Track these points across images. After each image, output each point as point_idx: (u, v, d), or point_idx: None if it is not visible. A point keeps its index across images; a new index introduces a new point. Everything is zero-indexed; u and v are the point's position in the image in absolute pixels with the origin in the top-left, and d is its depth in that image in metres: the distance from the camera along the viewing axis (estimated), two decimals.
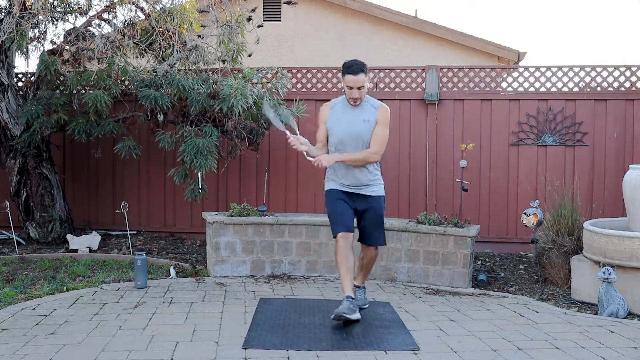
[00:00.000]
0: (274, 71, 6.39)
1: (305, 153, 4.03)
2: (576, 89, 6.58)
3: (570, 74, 6.57)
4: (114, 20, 6.35)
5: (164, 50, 6.22)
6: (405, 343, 3.53)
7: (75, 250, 6.07)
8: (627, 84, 6.51)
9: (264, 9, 9.74)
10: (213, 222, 5.37)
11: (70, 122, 6.11)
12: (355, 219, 4.06)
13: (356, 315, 3.84)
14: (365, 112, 3.97)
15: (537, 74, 6.63)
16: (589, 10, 30.74)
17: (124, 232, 6.76)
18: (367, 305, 4.26)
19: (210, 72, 6.35)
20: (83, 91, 6.31)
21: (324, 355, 3.31)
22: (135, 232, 6.98)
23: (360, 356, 3.32)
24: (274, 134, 6.66)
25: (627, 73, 6.49)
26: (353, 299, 3.87)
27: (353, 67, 3.88)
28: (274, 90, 6.16)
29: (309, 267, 5.38)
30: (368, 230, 4.08)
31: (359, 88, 3.89)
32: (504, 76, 7.00)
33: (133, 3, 6.29)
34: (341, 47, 9.70)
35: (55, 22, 6.25)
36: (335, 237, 3.95)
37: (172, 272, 5.24)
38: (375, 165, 4.07)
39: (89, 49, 6.14)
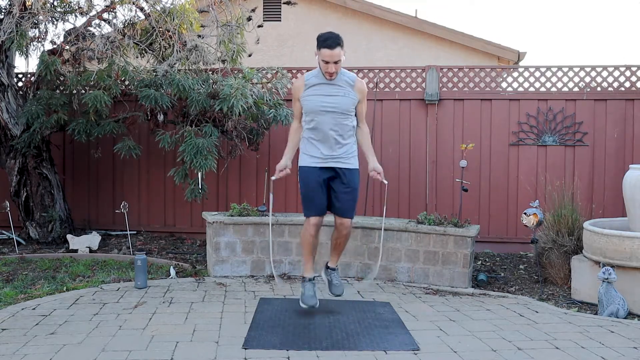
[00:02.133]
0: (274, 71, 6.40)
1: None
2: (576, 89, 6.58)
3: (570, 74, 6.58)
4: (114, 20, 6.36)
5: (164, 50, 6.22)
6: (405, 343, 3.53)
7: (75, 250, 6.07)
8: (627, 84, 6.51)
9: (264, 9, 9.74)
10: (213, 222, 5.37)
11: (70, 122, 6.11)
12: (327, 194, 3.99)
13: (315, 301, 3.98)
14: (343, 87, 3.88)
15: (537, 74, 6.63)
16: (589, 10, 30.73)
17: (124, 232, 6.76)
18: (343, 293, 4.13)
19: (210, 72, 6.36)
20: (83, 91, 6.31)
21: (324, 355, 3.31)
22: (135, 232, 6.98)
23: (360, 356, 3.32)
24: (274, 134, 6.67)
25: (627, 73, 6.50)
26: (314, 279, 4.08)
27: (329, 41, 3.75)
28: (274, 90, 6.16)
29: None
30: (340, 202, 3.97)
31: (335, 62, 3.77)
32: (504, 76, 7.00)
33: (133, 3, 6.28)
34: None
35: (55, 22, 6.25)
36: (306, 216, 3.97)
37: (172, 272, 5.25)
38: (353, 140, 4.00)
39: (89, 49, 6.14)
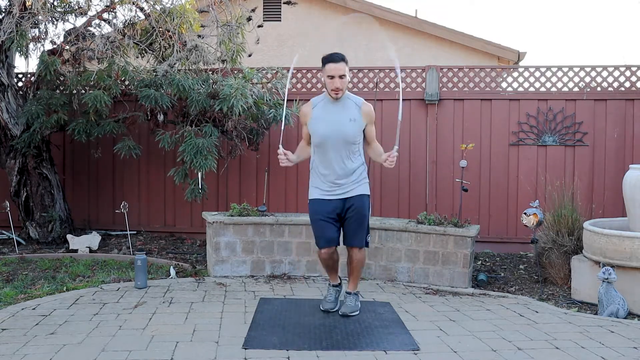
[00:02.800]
0: (274, 71, 6.39)
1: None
2: (576, 89, 6.58)
3: (570, 74, 6.58)
4: (114, 20, 6.36)
5: (164, 50, 6.22)
6: (405, 343, 3.53)
7: (75, 250, 6.07)
8: (627, 84, 6.51)
9: (264, 9, 9.74)
10: (213, 222, 5.37)
11: (70, 122, 6.11)
12: (339, 224, 4.00)
13: (331, 306, 4.12)
14: (350, 111, 3.88)
15: (537, 74, 6.63)
16: (589, 10, 30.74)
17: (124, 232, 6.76)
18: (357, 312, 4.09)
19: (210, 72, 6.36)
20: (83, 91, 6.32)
21: (324, 355, 3.31)
22: (135, 232, 6.98)
23: (360, 356, 3.32)
24: (274, 134, 6.67)
25: (627, 73, 6.50)
26: (339, 285, 4.22)
27: (333, 56, 3.82)
28: (274, 90, 6.16)
29: (309, 267, 5.38)
30: (350, 231, 3.97)
31: (340, 77, 3.79)
32: (504, 76, 7.00)
33: (133, 3, 6.29)
34: (341, 47, 9.69)
35: (55, 22, 6.25)
36: (318, 247, 4.00)
37: (172, 272, 5.25)
38: (361, 163, 3.99)
39: (89, 49, 6.14)
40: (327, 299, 4.17)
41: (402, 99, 6.72)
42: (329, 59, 3.83)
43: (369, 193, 4.02)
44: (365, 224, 4.00)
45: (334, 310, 4.11)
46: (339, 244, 4.01)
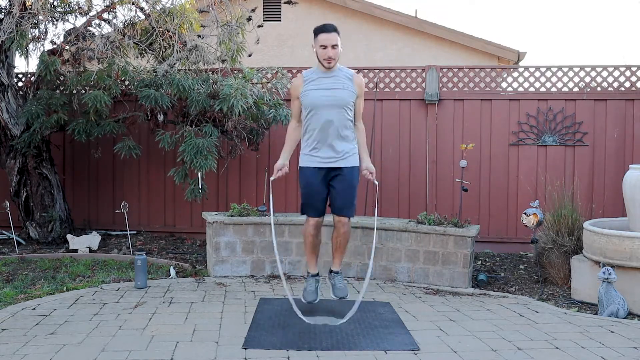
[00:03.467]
0: (274, 71, 6.39)
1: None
2: (576, 89, 6.58)
3: (570, 74, 6.58)
4: (114, 20, 6.36)
5: (164, 50, 6.22)
6: (405, 343, 3.53)
7: (75, 250, 6.07)
8: (627, 84, 6.51)
9: (264, 9, 9.74)
10: (213, 222, 5.37)
11: (70, 122, 6.11)
12: (327, 194, 3.98)
13: (314, 297, 4.05)
14: (342, 81, 3.88)
15: (537, 74, 6.63)
16: (589, 10, 30.74)
17: (124, 232, 6.76)
18: (347, 295, 4.07)
19: (210, 72, 6.36)
20: (83, 91, 6.32)
21: (324, 355, 3.31)
22: (135, 232, 6.98)
23: (360, 356, 3.32)
24: (274, 133, 6.67)
25: (627, 73, 6.50)
26: (318, 275, 4.14)
27: (326, 26, 3.84)
28: (274, 90, 6.16)
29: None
30: (339, 200, 3.95)
31: (333, 47, 3.79)
32: (504, 76, 7.00)
33: (133, 3, 6.29)
34: (341, 46, 9.70)
35: (55, 22, 6.25)
36: (306, 215, 3.98)
37: (172, 272, 5.25)
38: (352, 136, 3.98)
39: (89, 49, 6.14)
40: (308, 290, 4.08)
41: (402, 99, 6.79)
42: (322, 29, 3.84)
43: (358, 165, 4.01)
44: (354, 194, 4.00)
45: (317, 301, 4.06)
46: (324, 214, 4.00)
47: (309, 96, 3.88)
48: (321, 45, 3.82)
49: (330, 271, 4.22)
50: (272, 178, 3.98)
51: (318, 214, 3.97)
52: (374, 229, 5.24)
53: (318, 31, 3.84)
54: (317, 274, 4.17)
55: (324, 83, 3.89)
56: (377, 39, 9.90)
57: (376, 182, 4.02)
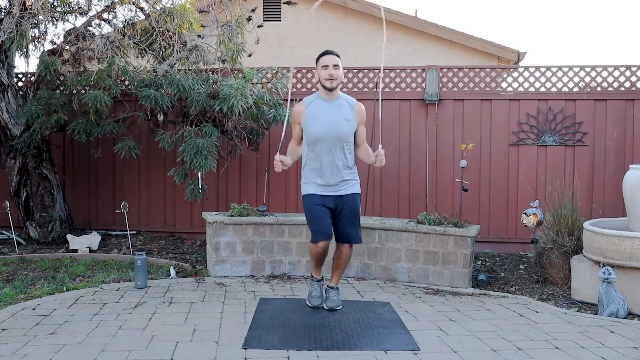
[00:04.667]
0: (274, 71, 6.40)
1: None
2: (576, 89, 6.58)
3: (570, 74, 6.58)
4: (114, 20, 6.36)
5: (164, 50, 6.23)
6: (405, 343, 3.53)
7: (75, 250, 6.07)
8: (627, 84, 6.51)
9: (264, 9, 9.74)
10: (213, 222, 5.37)
11: (70, 122, 6.11)
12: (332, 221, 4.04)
13: (320, 301, 4.19)
14: (344, 110, 3.93)
15: (537, 74, 6.63)
16: (589, 10, 30.74)
17: (124, 232, 6.76)
18: (340, 307, 4.19)
19: (210, 72, 6.36)
20: (83, 91, 6.31)
21: (324, 355, 3.31)
22: (135, 232, 6.98)
23: (360, 356, 3.32)
24: (274, 133, 6.67)
25: (627, 73, 6.50)
26: (322, 280, 4.28)
27: (327, 50, 3.97)
28: (274, 90, 6.16)
29: (309, 267, 5.37)
30: (344, 228, 4.03)
31: (334, 66, 3.86)
32: (504, 76, 7.00)
33: (133, 3, 6.29)
34: (341, 47, 9.70)
35: (55, 22, 6.25)
36: (313, 242, 4.01)
37: (172, 272, 5.25)
38: (353, 162, 4.04)
39: (89, 49, 6.14)
40: (314, 295, 4.22)
41: (402, 99, 6.79)
42: (323, 53, 3.98)
43: (360, 192, 4.11)
44: (357, 221, 4.08)
45: (322, 305, 4.19)
46: (331, 238, 4.04)
47: (311, 128, 3.93)
48: (323, 66, 3.90)
49: (328, 286, 4.30)
50: (276, 155, 3.90)
51: (325, 237, 3.99)
52: (374, 229, 5.25)
53: (320, 55, 3.96)
54: (322, 279, 4.27)
55: (326, 111, 3.92)
56: (377, 39, 9.90)
57: (382, 150, 3.90)
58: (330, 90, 3.92)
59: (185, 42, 6.16)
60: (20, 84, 7.05)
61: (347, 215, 4.00)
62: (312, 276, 4.30)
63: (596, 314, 4.34)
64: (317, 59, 3.96)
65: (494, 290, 5.01)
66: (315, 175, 3.98)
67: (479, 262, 6.07)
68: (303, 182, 4.09)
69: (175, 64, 6.09)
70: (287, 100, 6.34)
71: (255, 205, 6.33)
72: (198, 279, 5.20)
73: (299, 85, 6.95)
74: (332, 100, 3.95)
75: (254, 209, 5.60)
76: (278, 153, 3.94)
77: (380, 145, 3.94)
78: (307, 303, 4.23)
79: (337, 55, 3.94)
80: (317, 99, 4.00)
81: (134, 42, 6.21)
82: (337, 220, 4.03)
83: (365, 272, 5.31)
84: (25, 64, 7.62)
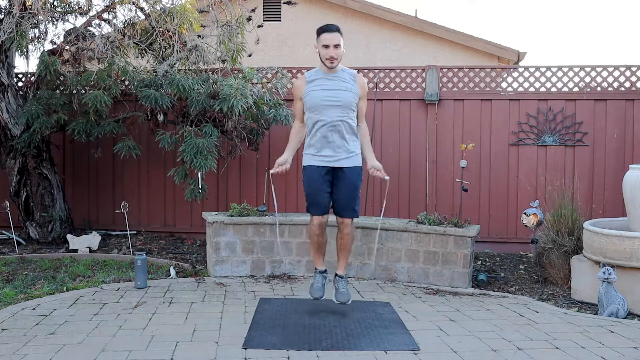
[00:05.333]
0: (274, 71, 6.40)
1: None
2: (576, 89, 6.58)
3: (570, 74, 6.58)
4: (114, 20, 6.36)
5: (164, 50, 6.22)
6: (405, 343, 3.53)
7: (75, 250, 6.07)
8: (627, 84, 6.51)
9: (264, 9, 9.74)
10: (213, 222, 5.37)
11: (70, 122, 6.11)
12: (330, 192, 3.99)
13: (320, 293, 4.04)
14: (345, 81, 3.90)
15: (537, 74, 6.63)
16: (589, 10, 30.73)
17: (124, 232, 6.76)
18: (350, 300, 4.09)
19: (210, 72, 6.35)
20: (83, 91, 6.31)
21: (324, 355, 3.31)
22: (135, 232, 6.98)
23: (360, 356, 3.32)
24: (274, 133, 6.67)
25: (627, 73, 6.50)
26: (325, 272, 4.14)
27: (329, 26, 3.85)
28: (274, 90, 6.16)
29: (309, 267, 5.37)
30: (343, 201, 3.97)
31: (335, 46, 3.81)
32: (504, 76, 7.00)
33: (133, 3, 6.29)
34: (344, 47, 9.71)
35: (55, 22, 6.24)
36: (310, 214, 3.99)
37: (172, 272, 5.25)
38: (356, 137, 4.00)
39: (89, 49, 6.14)
40: (315, 286, 4.09)
41: (402, 99, 6.79)
42: (324, 28, 3.85)
43: (361, 165, 4.04)
44: (357, 194, 4.02)
45: (323, 298, 4.07)
46: (328, 213, 4.02)
47: (312, 97, 3.90)
48: (324, 45, 3.83)
49: (335, 275, 4.22)
50: (272, 171, 3.96)
51: (321, 212, 3.97)
52: (374, 229, 5.25)
53: (320, 31, 3.85)
54: (325, 271, 4.16)
55: (326, 84, 3.90)
56: (377, 39, 9.91)
57: (387, 177, 3.95)
58: (331, 69, 3.90)
59: (185, 42, 6.15)
60: (20, 84, 7.05)
61: (347, 188, 3.94)
62: (315, 268, 4.21)
63: (596, 314, 4.34)
64: (318, 34, 3.86)
65: (494, 290, 5.01)
66: (318, 144, 3.93)
67: (479, 262, 6.07)
68: (304, 152, 4.04)
69: (175, 64, 6.09)
70: (287, 100, 6.35)
71: (255, 205, 6.33)
72: (198, 279, 5.20)
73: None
74: (334, 74, 3.92)
75: (254, 209, 5.60)
76: (282, 158, 3.95)
77: (375, 165, 3.96)
78: (309, 295, 4.10)
79: (339, 31, 3.85)
80: (317, 72, 3.96)
81: (134, 42, 6.21)
82: (336, 193, 3.97)
83: (365, 272, 5.31)
84: (25, 64, 7.63)
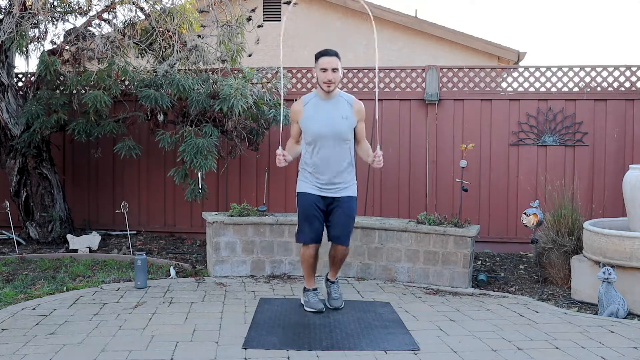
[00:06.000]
0: (274, 71, 6.39)
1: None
2: (576, 89, 6.58)
3: (570, 74, 6.58)
4: (114, 20, 6.36)
5: (164, 50, 6.22)
6: (405, 343, 3.53)
7: (75, 250, 6.07)
8: (627, 84, 6.51)
9: (264, 9, 9.74)
10: (213, 222, 5.37)
11: (70, 122, 6.11)
12: (324, 222, 4.05)
13: (321, 305, 4.10)
14: (341, 108, 3.93)
15: (537, 74, 6.63)
16: (589, 10, 30.74)
17: (124, 232, 6.76)
18: (342, 305, 4.20)
19: (210, 72, 6.35)
20: (83, 91, 6.31)
21: (324, 355, 3.31)
22: (135, 232, 6.98)
23: (360, 356, 3.32)
24: (274, 134, 6.67)
25: (627, 73, 6.50)
26: (317, 289, 4.20)
27: (327, 50, 3.91)
28: (274, 90, 6.16)
29: None
30: (338, 230, 4.02)
31: (333, 70, 3.85)
32: (504, 76, 7.00)
33: (133, 3, 6.29)
34: (341, 47, 9.67)
35: (55, 22, 6.24)
36: (303, 243, 4.02)
37: (172, 272, 5.25)
38: (353, 166, 4.04)
39: (89, 49, 6.14)
40: (312, 302, 4.13)
41: (402, 99, 6.79)
42: (323, 53, 3.92)
43: (356, 195, 4.09)
44: (351, 224, 4.08)
45: (323, 309, 4.12)
46: (320, 242, 4.07)
47: (308, 127, 3.93)
48: (322, 69, 3.88)
49: (327, 279, 4.29)
50: (277, 161, 3.92)
51: (315, 240, 4.01)
52: (374, 229, 5.25)
53: (319, 55, 3.92)
54: (316, 289, 4.23)
55: (323, 111, 3.92)
56: (377, 39, 9.89)
57: (380, 152, 3.91)
58: (328, 93, 3.94)
59: (185, 42, 6.16)
60: (20, 84, 7.05)
61: (341, 218, 3.99)
62: (305, 287, 4.23)
63: (596, 314, 4.34)
64: (316, 58, 3.93)
65: (494, 290, 5.01)
66: (313, 173, 3.98)
67: (479, 262, 6.07)
68: (299, 180, 4.08)
69: (175, 64, 6.09)
70: (287, 100, 6.35)
71: (255, 205, 6.33)
72: (198, 279, 5.20)
73: (299, 85, 6.95)
74: (330, 99, 3.95)
75: (254, 209, 5.60)
76: (280, 147, 3.94)
77: (378, 147, 3.95)
78: (307, 309, 4.12)
79: (337, 56, 3.91)
80: (315, 97, 4.00)
81: (134, 42, 6.20)
82: (329, 222, 4.03)
83: (365, 272, 5.31)
84: (25, 64, 7.63)
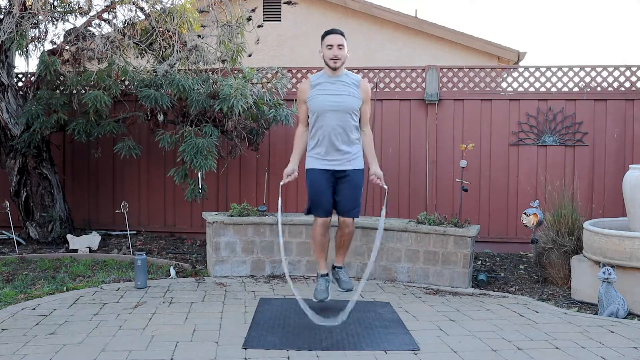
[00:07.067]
0: (274, 71, 6.39)
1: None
2: (576, 89, 6.58)
3: (570, 74, 6.58)
4: (114, 20, 6.35)
5: (164, 50, 6.22)
6: (405, 343, 3.53)
7: (75, 250, 6.07)
8: (627, 84, 6.51)
9: (264, 9, 9.73)
10: (213, 222, 5.37)
11: (70, 122, 6.11)
12: (333, 195, 4.08)
13: (325, 295, 4.08)
14: (348, 86, 3.99)
15: (537, 74, 6.63)
16: (589, 10, 30.74)
17: (124, 232, 6.76)
18: (352, 288, 4.19)
19: (210, 72, 6.35)
20: (83, 91, 6.31)
21: (324, 355, 3.31)
22: (135, 232, 6.98)
23: (360, 356, 3.32)
24: (274, 134, 6.67)
25: (627, 73, 6.50)
26: (327, 275, 4.19)
27: (333, 29, 4.03)
28: (274, 90, 6.16)
29: (309, 267, 5.37)
30: (345, 202, 4.06)
31: (338, 46, 3.93)
32: (504, 76, 7.00)
33: (133, 3, 6.28)
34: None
35: (55, 22, 6.24)
36: (314, 216, 4.07)
37: (172, 272, 5.25)
38: (358, 140, 4.08)
39: (89, 49, 6.14)
40: (319, 289, 4.13)
41: (402, 99, 6.79)
42: (328, 31, 4.02)
43: (363, 167, 4.13)
44: (359, 196, 4.12)
45: (328, 299, 4.11)
46: (331, 214, 4.10)
47: (315, 102, 3.99)
48: (327, 45, 3.96)
49: (333, 267, 4.31)
50: (281, 183, 4.06)
51: (325, 214, 4.07)
52: (374, 229, 5.25)
53: (325, 34, 4.00)
54: (327, 274, 4.23)
55: (330, 88, 3.99)
56: (377, 39, 9.90)
57: (386, 187, 4.08)
58: (335, 69, 3.99)
59: (185, 42, 6.15)
60: (20, 84, 7.05)
61: (351, 190, 4.04)
62: (318, 272, 4.26)
63: (596, 314, 4.34)
64: (322, 37, 4.00)
65: (494, 290, 5.01)
66: (321, 147, 4.01)
67: (479, 262, 6.07)
68: (308, 155, 4.12)
69: (175, 64, 6.09)
70: (287, 100, 6.36)
71: (255, 205, 6.33)
72: (198, 279, 5.20)
73: (299, 85, 6.94)
74: (337, 77, 4.01)
75: (254, 209, 5.60)
76: (289, 168, 4.04)
77: (377, 173, 4.05)
78: (313, 298, 4.14)
79: (343, 34, 3.99)
80: (322, 75, 4.06)
81: (134, 42, 6.20)
82: (338, 194, 4.06)
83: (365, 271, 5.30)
84: (25, 64, 7.63)
